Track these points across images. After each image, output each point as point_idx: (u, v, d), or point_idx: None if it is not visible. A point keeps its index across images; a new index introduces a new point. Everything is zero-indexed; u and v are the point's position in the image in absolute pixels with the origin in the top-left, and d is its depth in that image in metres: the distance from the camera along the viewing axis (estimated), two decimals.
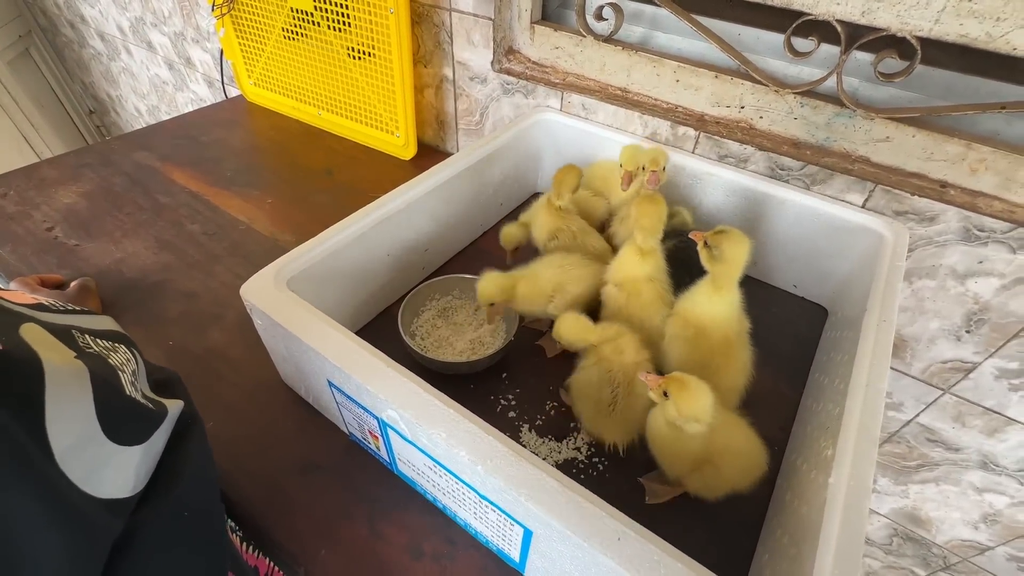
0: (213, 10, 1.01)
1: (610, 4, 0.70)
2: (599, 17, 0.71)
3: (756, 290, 0.71)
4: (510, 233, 0.66)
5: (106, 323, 0.35)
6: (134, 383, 0.30)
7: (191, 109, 1.58)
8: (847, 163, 0.63)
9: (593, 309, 0.57)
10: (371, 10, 0.82)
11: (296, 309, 0.46)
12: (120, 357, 0.31)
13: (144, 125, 1.91)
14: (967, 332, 0.66)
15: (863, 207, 0.64)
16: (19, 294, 0.33)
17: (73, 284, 0.64)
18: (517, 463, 0.35)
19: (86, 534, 0.24)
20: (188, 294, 0.69)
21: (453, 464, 0.39)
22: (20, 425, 0.21)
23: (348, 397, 0.45)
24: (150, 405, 0.31)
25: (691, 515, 0.47)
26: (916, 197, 0.61)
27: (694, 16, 0.65)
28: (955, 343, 0.67)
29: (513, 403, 0.56)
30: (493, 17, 0.78)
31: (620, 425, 0.48)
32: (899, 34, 0.53)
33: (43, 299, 0.33)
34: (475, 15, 0.81)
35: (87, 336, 0.30)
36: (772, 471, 0.47)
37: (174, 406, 0.33)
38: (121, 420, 0.27)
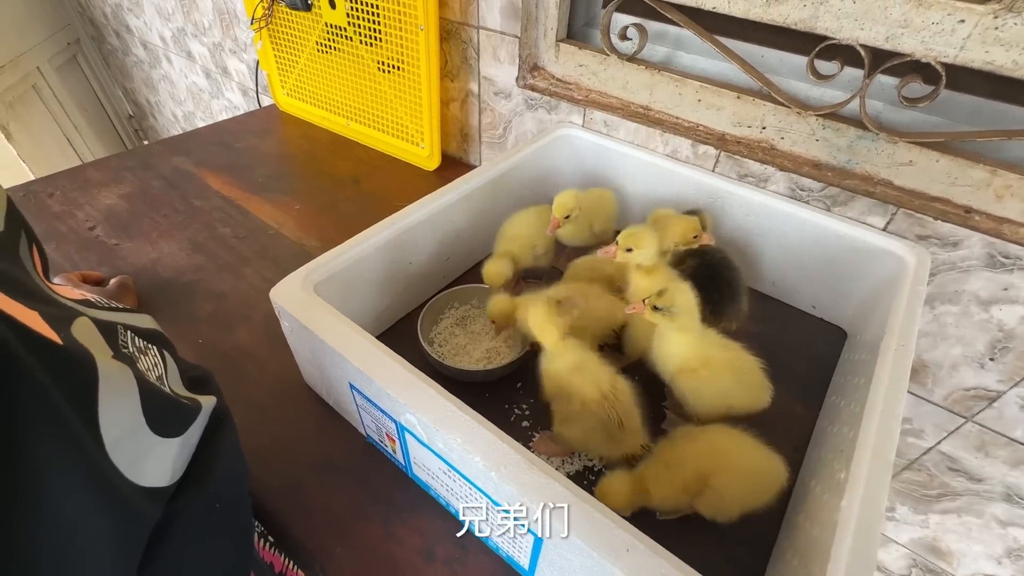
0: (252, 23, 1.06)
1: (634, 24, 0.72)
2: (623, 37, 0.73)
3: (774, 309, 0.71)
4: (498, 272, 0.63)
5: (146, 321, 0.37)
6: (163, 380, 0.32)
7: (225, 116, 1.64)
8: (869, 186, 0.63)
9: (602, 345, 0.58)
10: (402, 26, 0.85)
11: (322, 313, 0.47)
12: (149, 360, 0.33)
13: (180, 130, 1.99)
14: (991, 360, 0.65)
15: (884, 230, 0.64)
16: (67, 289, 0.35)
17: (113, 281, 0.67)
18: (530, 471, 0.36)
19: (130, 518, 0.26)
20: (218, 294, 0.72)
21: (467, 469, 0.40)
22: (77, 416, 0.23)
23: (368, 400, 0.47)
24: (185, 401, 0.33)
25: (701, 532, 0.47)
26: (939, 222, 0.61)
27: (717, 37, 0.66)
28: (978, 370, 0.66)
29: (527, 413, 0.57)
30: (519, 35, 0.80)
31: (635, 434, 0.49)
32: (924, 59, 0.54)
33: (89, 295, 0.35)
34: (502, 33, 0.83)
35: (129, 333, 0.32)
36: (785, 492, 0.47)
37: (207, 402, 0.35)
38: (162, 414, 0.29)
